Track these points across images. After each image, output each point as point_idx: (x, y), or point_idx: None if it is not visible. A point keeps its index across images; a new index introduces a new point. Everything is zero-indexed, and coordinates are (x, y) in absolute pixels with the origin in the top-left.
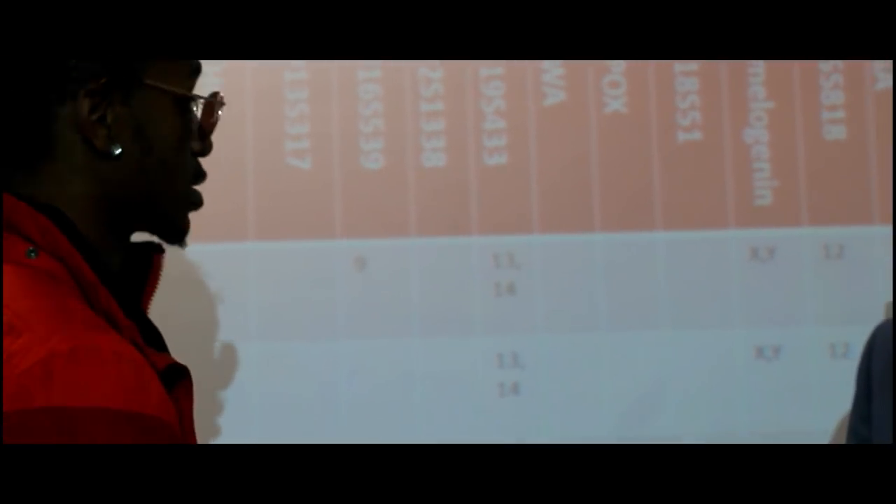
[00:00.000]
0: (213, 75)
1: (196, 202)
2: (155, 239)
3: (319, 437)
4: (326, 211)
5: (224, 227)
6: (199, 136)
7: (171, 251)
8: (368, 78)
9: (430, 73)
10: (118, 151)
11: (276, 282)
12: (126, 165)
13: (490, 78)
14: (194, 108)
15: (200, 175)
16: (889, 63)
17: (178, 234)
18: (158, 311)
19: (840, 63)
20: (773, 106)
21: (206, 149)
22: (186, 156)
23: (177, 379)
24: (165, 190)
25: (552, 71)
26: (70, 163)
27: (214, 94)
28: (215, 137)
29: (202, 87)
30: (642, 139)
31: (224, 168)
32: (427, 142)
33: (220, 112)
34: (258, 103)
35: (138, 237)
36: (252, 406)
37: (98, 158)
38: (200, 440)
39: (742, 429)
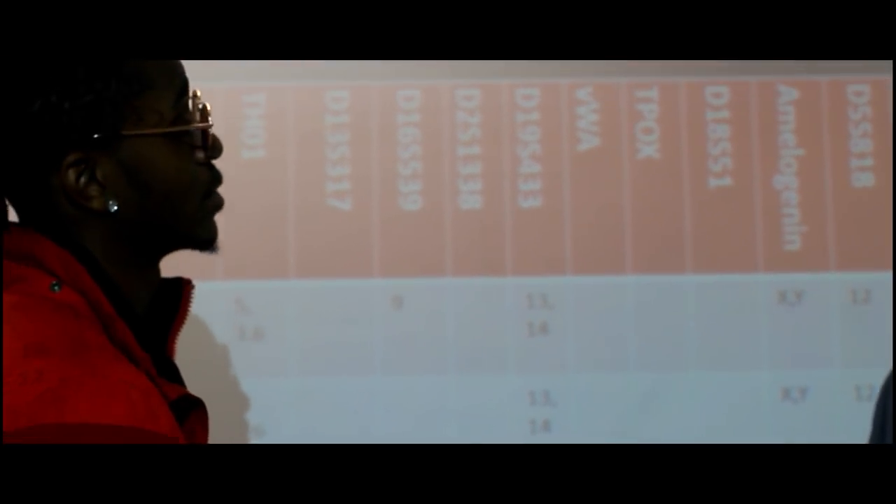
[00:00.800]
0: (256, 118)
1: (216, 207)
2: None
3: None
4: (365, 250)
5: (266, 265)
6: (202, 146)
7: (210, 288)
8: (408, 122)
9: (468, 118)
10: (115, 208)
11: (315, 319)
12: (131, 210)
13: (526, 123)
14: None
15: (216, 179)
16: None
17: (205, 245)
18: (196, 345)
19: (869, 111)
20: (802, 153)
21: (214, 153)
22: (192, 175)
23: (189, 409)
24: (177, 216)
25: (587, 117)
26: (78, 222)
27: (195, 102)
28: (257, 179)
29: (243, 130)
30: (674, 184)
31: (267, 208)
32: (464, 185)
33: (209, 118)
34: (301, 146)
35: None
36: (290, 439)
37: (101, 215)
38: None
39: None
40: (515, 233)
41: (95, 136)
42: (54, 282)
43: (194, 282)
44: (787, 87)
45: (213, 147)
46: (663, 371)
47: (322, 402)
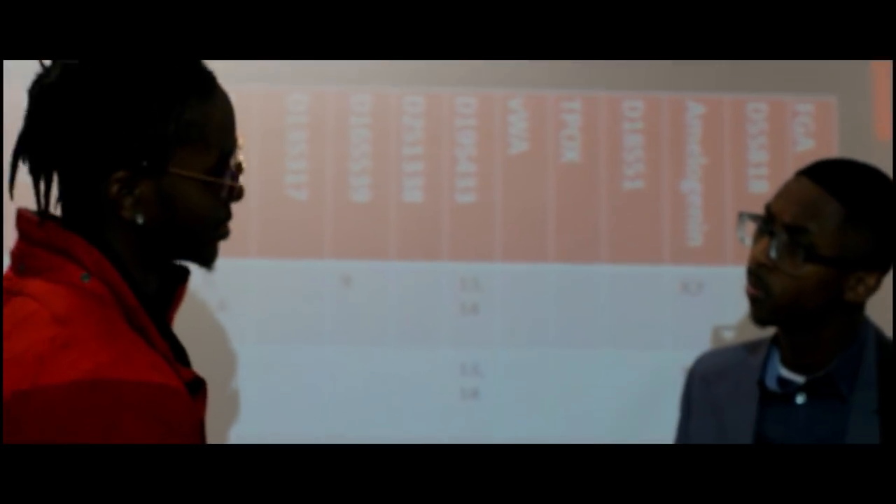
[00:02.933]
0: None
1: (223, 237)
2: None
3: (304, 429)
4: (319, 235)
5: (230, 245)
6: (227, 196)
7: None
8: (359, 124)
9: (412, 122)
10: (141, 221)
11: (273, 294)
12: (156, 226)
13: (464, 128)
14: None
15: (229, 216)
16: (809, 128)
17: (207, 264)
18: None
19: (766, 125)
20: (706, 161)
21: (235, 199)
22: (213, 215)
23: (197, 390)
24: (192, 240)
25: (517, 124)
26: (111, 225)
27: (240, 171)
28: None
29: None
30: (592, 186)
31: None
32: (407, 180)
33: (242, 173)
34: (263, 142)
35: None
36: (249, 401)
37: (130, 224)
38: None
39: (667, 436)
40: (452, 224)
41: (144, 163)
42: (84, 273)
43: None
44: (694, 102)
45: (237, 195)
46: (579, 348)
47: (278, 367)
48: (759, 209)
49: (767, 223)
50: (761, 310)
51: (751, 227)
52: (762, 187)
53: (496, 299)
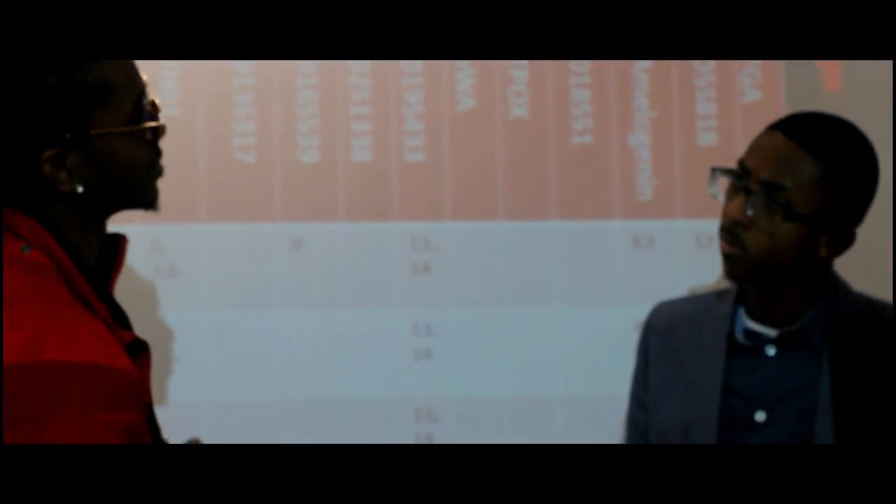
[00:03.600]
0: (172, 80)
1: (158, 175)
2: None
3: (258, 393)
4: (268, 198)
5: (179, 211)
6: (152, 135)
7: (129, 230)
8: (306, 84)
9: (359, 81)
10: (81, 189)
11: (223, 258)
12: (93, 190)
13: (411, 86)
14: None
15: (158, 154)
16: (756, 79)
17: (149, 205)
18: (123, 283)
19: (713, 78)
20: (654, 115)
21: (159, 137)
22: (143, 158)
23: (138, 351)
24: (130, 189)
25: (464, 81)
26: (49, 199)
27: (155, 110)
28: (171, 134)
29: (160, 91)
30: (541, 141)
31: (179, 160)
32: (356, 140)
33: (159, 112)
34: (210, 104)
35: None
36: (201, 365)
37: (68, 195)
38: (155, 397)
39: (621, 390)
40: (401, 183)
41: (67, 136)
42: (23, 244)
43: (115, 225)
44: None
45: (161, 133)
46: (531, 305)
47: (230, 331)
48: (709, 162)
49: (741, 179)
50: (737, 267)
51: (723, 183)
52: (710, 140)
53: (447, 258)
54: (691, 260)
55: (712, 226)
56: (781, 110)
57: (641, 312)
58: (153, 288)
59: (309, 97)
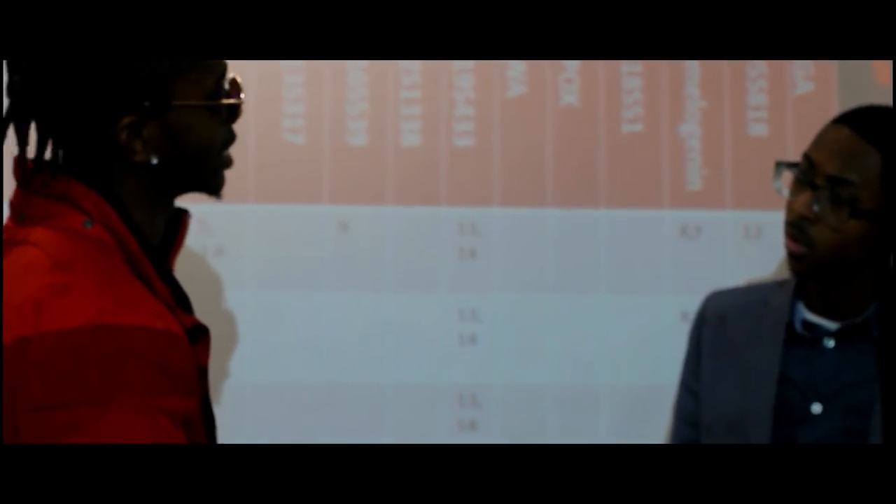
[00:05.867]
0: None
1: (228, 163)
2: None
3: (302, 375)
4: (316, 180)
5: (227, 191)
6: (228, 115)
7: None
8: (356, 66)
9: (409, 65)
10: (156, 161)
11: (271, 239)
12: (167, 163)
13: (461, 71)
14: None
15: (232, 138)
16: (808, 71)
17: (215, 191)
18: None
19: (765, 69)
20: (705, 105)
21: (235, 118)
22: (218, 138)
23: (198, 335)
24: (202, 169)
25: (516, 67)
26: (117, 171)
27: (236, 89)
28: None
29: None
30: (591, 129)
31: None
32: (405, 124)
33: (241, 93)
34: (260, 85)
35: None
36: (247, 347)
37: (140, 166)
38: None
39: (666, 380)
40: (450, 168)
41: (147, 104)
42: (86, 219)
43: None
44: None
45: (237, 114)
46: (578, 293)
47: (276, 313)
48: (759, 153)
49: (807, 174)
50: (803, 264)
51: (787, 178)
52: (761, 130)
53: (494, 244)
54: (739, 251)
55: (761, 217)
56: (833, 103)
57: (688, 302)
58: (200, 268)
59: (359, 80)
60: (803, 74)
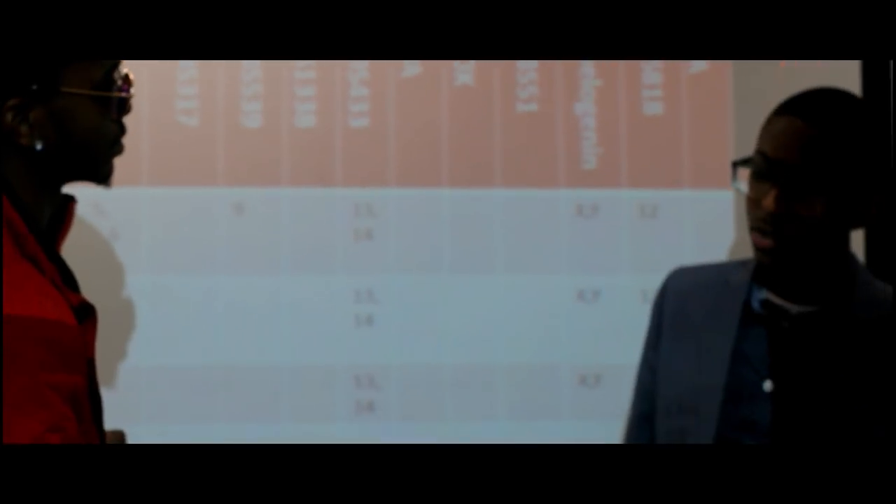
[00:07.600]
0: None
1: (118, 154)
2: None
3: (198, 358)
4: (210, 162)
5: (121, 174)
6: (117, 109)
7: (72, 193)
8: None
9: None
10: (40, 146)
11: (165, 222)
12: (52, 150)
13: None
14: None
15: (122, 132)
16: None
17: (103, 181)
18: (64, 244)
19: None
20: (600, 83)
21: (124, 113)
22: (105, 130)
23: (86, 314)
24: (88, 159)
25: None
26: (3, 154)
27: (127, 83)
28: None
29: None
30: (486, 108)
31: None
32: (300, 105)
33: (131, 87)
34: (153, 68)
35: None
36: (142, 331)
37: (26, 150)
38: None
39: (563, 359)
40: (345, 149)
41: (34, 87)
42: None
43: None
44: None
45: (126, 109)
46: (474, 273)
47: (170, 297)
48: (654, 132)
49: (765, 169)
50: (775, 258)
51: (743, 173)
52: (656, 109)
53: (390, 225)
54: (635, 229)
55: (657, 196)
56: (728, 81)
57: (585, 281)
58: (94, 251)
59: (253, 61)
60: None
